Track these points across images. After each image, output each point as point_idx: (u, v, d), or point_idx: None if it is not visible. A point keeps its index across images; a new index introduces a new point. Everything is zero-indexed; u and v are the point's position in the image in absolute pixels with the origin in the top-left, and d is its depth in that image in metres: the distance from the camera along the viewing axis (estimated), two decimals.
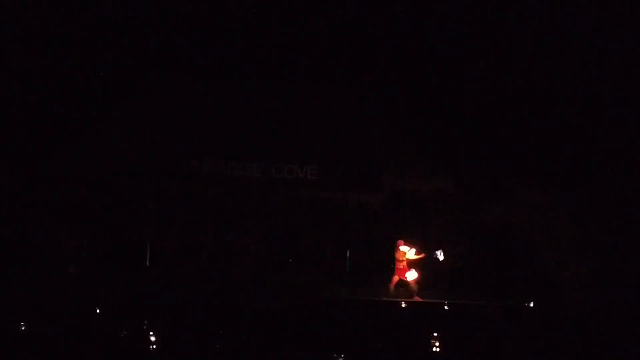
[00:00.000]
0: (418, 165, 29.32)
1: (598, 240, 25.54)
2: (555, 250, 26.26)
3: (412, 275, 25.24)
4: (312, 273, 27.96)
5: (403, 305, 22.87)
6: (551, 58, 31.04)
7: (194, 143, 29.04)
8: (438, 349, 16.87)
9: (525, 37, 31.80)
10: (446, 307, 22.66)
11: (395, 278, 25.53)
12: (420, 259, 25.58)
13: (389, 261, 28.48)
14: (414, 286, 25.23)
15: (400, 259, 25.36)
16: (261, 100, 31.06)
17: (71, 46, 31.83)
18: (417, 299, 24.95)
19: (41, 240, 27.26)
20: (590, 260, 25.50)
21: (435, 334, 17.38)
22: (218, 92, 31.45)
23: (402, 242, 25.69)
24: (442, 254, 26.41)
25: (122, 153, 28.39)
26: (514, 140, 29.87)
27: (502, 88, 31.33)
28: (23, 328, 16.82)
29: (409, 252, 25.45)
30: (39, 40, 31.17)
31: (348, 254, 28.60)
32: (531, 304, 23.35)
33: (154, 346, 16.45)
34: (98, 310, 19.04)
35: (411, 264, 25.39)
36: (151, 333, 16.95)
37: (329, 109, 30.96)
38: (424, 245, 27.08)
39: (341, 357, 15.47)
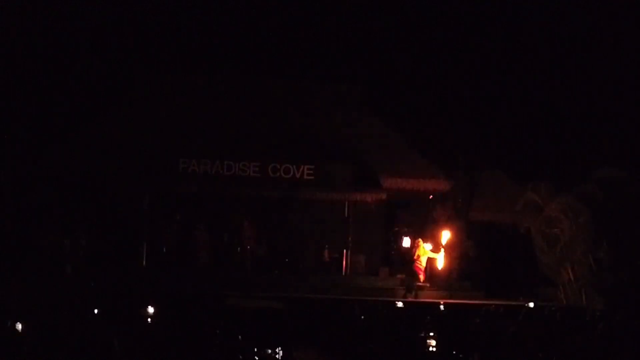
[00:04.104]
0: (416, 166, 29.30)
1: (598, 240, 25.53)
2: (556, 250, 26.24)
3: (441, 263, 26.00)
4: (310, 273, 27.90)
5: (400, 305, 22.83)
6: (550, 59, 31.10)
7: (191, 143, 28.97)
8: (435, 349, 16.81)
9: (524, 37, 31.88)
10: (442, 307, 22.63)
11: (422, 277, 25.97)
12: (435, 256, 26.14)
13: (387, 261, 28.52)
14: (424, 283, 25.69)
15: (421, 256, 25.89)
16: (257, 100, 31.01)
17: (68, 46, 31.81)
18: (409, 297, 25.14)
19: (38, 240, 27.15)
20: (591, 259, 25.49)
21: (431, 334, 17.33)
22: (215, 92, 31.40)
23: (421, 239, 26.33)
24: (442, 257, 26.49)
25: (118, 153, 28.31)
26: (513, 141, 29.93)
27: (501, 89, 31.39)
28: (20, 328, 16.69)
29: (428, 249, 26.14)
30: (36, 40, 31.13)
31: (345, 254, 28.54)
32: (531, 304, 23.31)
33: (151, 345, 16.34)
34: (96, 311, 18.90)
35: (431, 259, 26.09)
36: (148, 332, 16.85)
37: (326, 109, 30.93)
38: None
39: (341, 357, 15.38)
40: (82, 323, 17.73)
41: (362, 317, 20.04)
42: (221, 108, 30.63)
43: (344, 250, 28.59)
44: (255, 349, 16.07)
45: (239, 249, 28.44)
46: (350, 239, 28.60)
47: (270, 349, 16.18)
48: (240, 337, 16.73)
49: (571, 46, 31.14)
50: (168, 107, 30.52)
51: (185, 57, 34.23)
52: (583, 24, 31.03)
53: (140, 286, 24.34)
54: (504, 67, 32.36)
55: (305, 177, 28.37)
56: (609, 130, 28.89)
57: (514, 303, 23.96)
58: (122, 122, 30.00)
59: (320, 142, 29.41)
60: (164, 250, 28.28)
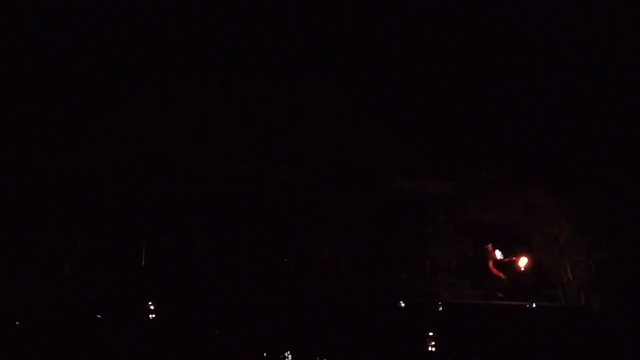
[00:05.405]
0: (416, 166, 29.29)
1: (597, 240, 25.57)
2: (555, 250, 26.28)
3: (523, 262, 26.28)
4: (308, 273, 27.88)
5: (402, 304, 22.86)
6: (550, 59, 31.06)
7: (189, 143, 28.97)
8: (434, 348, 16.86)
9: (524, 38, 31.82)
10: (440, 308, 22.66)
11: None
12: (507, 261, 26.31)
13: (385, 262, 28.52)
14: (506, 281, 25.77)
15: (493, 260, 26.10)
16: (255, 100, 30.99)
17: (68, 46, 31.75)
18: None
19: (36, 240, 27.16)
20: (590, 260, 25.53)
21: (431, 334, 17.37)
22: (213, 92, 31.37)
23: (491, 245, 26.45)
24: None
25: (116, 153, 28.33)
26: (513, 141, 29.86)
27: (501, 89, 31.32)
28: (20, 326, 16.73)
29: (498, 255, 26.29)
30: (34, 39, 31.09)
31: (345, 254, 28.53)
32: (533, 305, 23.37)
33: (150, 345, 16.38)
34: (99, 316, 18.94)
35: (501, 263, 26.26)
36: (147, 332, 16.89)
37: (325, 108, 30.90)
38: (422, 246, 27.16)
39: (340, 357, 15.41)
40: (82, 323, 17.75)
41: (362, 317, 20.06)
42: (221, 108, 30.61)
43: (344, 250, 28.56)
44: (254, 349, 16.12)
45: (237, 249, 28.43)
46: (350, 239, 28.58)
47: (269, 349, 16.22)
48: (240, 336, 16.78)
49: (570, 45, 31.15)
50: (166, 107, 30.50)
51: (185, 57, 34.13)
52: (582, 23, 31.04)
53: (140, 286, 24.38)
54: (503, 66, 32.30)
55: (304, 177, 28.37)
56: (610, 130, 28.85)
57: (514, 303, 23.98)
58: (122, 122, 29.98)
59: (319, 143, 29.40)
60: (163, 250, 28.26)
